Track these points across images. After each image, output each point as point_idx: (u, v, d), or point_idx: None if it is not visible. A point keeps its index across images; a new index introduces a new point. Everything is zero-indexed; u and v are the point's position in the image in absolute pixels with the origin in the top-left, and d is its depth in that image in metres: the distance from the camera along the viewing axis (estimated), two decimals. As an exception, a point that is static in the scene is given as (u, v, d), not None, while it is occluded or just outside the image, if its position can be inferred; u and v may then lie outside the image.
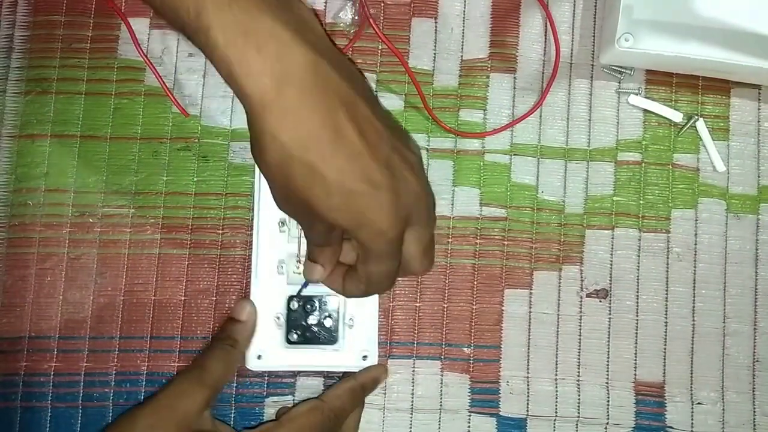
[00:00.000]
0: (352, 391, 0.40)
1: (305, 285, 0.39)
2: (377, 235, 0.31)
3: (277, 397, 0.42)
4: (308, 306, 0.40)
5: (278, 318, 0.40)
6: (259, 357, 0.40)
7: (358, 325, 0.41)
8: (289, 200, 0.31)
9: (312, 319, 0.40)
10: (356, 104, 0.30)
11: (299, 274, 0.40)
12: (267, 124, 0.29)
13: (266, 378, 0.41)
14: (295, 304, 0.40)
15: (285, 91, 0.29)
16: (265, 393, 0.42)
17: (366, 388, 0.41)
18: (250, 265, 0.41)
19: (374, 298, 0.41)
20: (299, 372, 0.42)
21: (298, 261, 0.40)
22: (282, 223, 0.41)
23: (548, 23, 0.44)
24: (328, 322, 0.40)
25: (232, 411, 0.41)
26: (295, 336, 0.40)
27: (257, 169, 0.41)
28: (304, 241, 0.38)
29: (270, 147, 0.29)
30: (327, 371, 0.42)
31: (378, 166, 0.30)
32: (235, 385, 0.42)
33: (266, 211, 0.41)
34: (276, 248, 0.41)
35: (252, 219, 0.41)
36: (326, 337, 0.40)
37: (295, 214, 0.32)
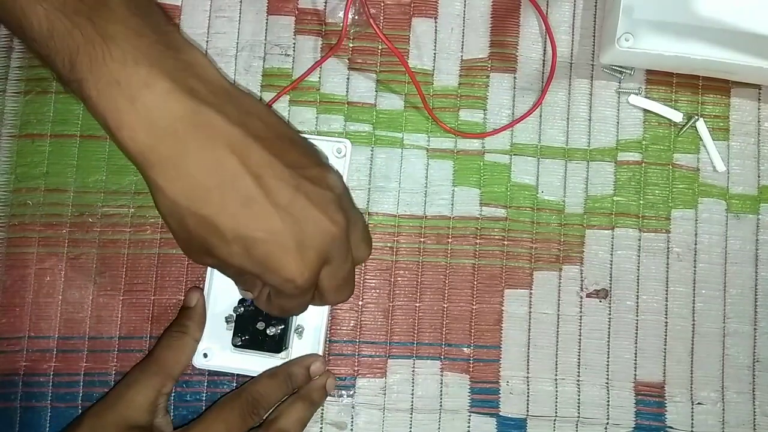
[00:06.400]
0: (273, 376, 0.39)
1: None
2: (285, 281, 0.30)
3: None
4: (258, 311, 0.39)
5: (229, 319, 0.40)
6: (205, 355, 0.40)
7: (307, 336, 0.41)
8: (190, 248, 0.31)
9: (260, 325, 0.39)
10: (249, 148, 0.29)
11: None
12: (150, 179, 0.28)
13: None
14: (241, 309, 0.40)
15: (162, 144, 0.28)
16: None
17: (293, 375, 0.39)
18: None
19: (324, 310, 0.41)
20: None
21: None
22: None
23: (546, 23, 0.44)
24: (271, 330, 0.39)
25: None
26: (240, 341, 0.39)
27: None
28: None
29: (158, 200, 0.29)
30: None
31: (277, 211, 0.29)
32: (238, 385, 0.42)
33: None
34: (228, 296, 0.40)
35: None
36: (272, 344, 0.39)
37: (201, 261, 0.31)
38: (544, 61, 0.44)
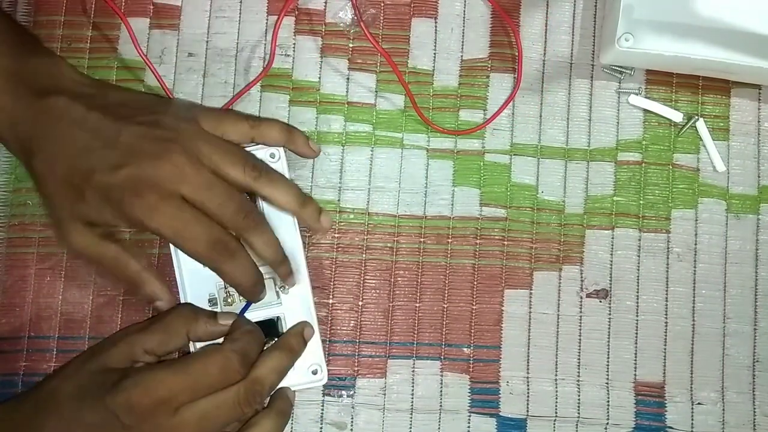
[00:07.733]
0: (273, 354, 0.37)
1: (244, 309, 0.38)
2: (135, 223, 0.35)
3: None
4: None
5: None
6: None
7: (296, 304, 0.39)
8: (72, 213, 0.35)
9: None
10: (77, 110, 0.35)
11: (231, 305, 0.39)
12: (31, 167, 0.35)
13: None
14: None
15: (18, 131, 0.35)
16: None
17: (295, 350, 0.38)
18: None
19: (311, 313, 0.39)
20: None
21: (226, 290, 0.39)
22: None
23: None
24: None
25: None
26: None
27: None
28: None
29: (43, 176, 0.35)
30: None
31: (112, 152, 0.34)
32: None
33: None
34: (204, 282, 0.39)
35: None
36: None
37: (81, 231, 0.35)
38: (544, 61, 0.44)
